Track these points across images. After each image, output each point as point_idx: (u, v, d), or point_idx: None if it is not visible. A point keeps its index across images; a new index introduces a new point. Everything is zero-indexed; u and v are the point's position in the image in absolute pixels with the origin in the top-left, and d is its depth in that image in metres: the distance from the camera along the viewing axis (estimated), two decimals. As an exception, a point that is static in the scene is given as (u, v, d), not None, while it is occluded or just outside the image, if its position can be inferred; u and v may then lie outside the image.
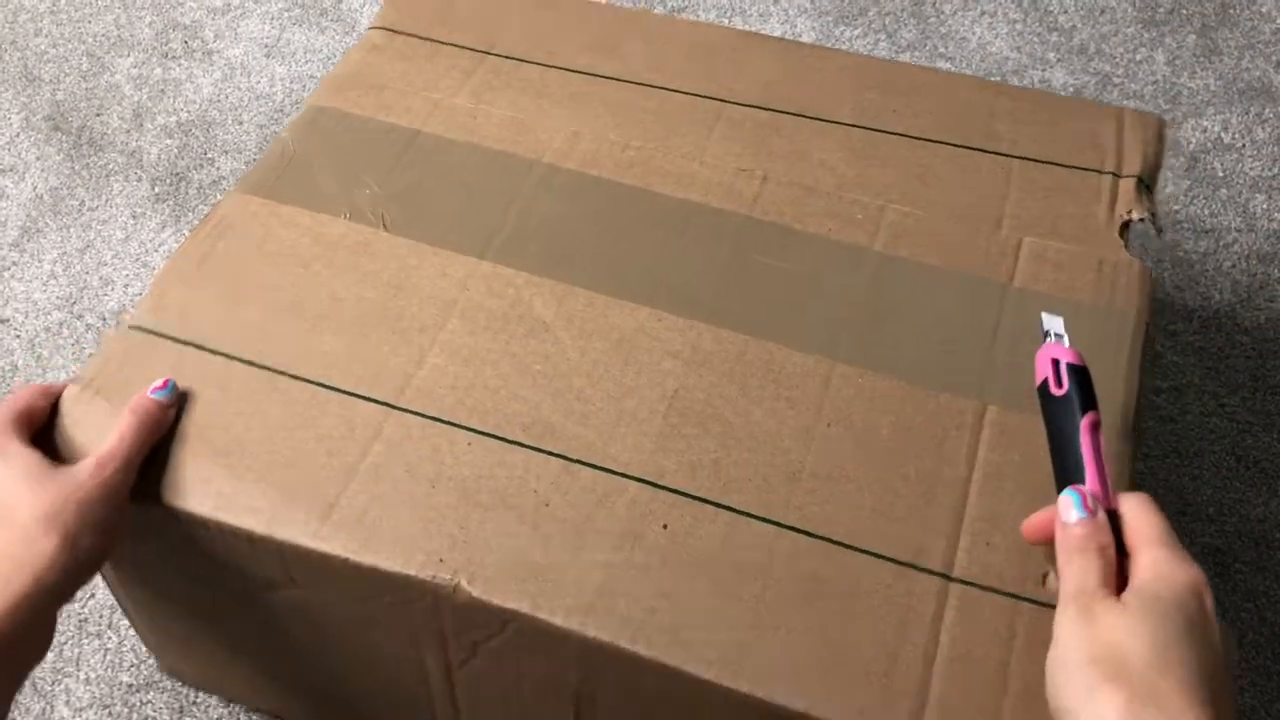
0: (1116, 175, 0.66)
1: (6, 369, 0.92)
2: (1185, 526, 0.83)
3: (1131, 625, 0.42)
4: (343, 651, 0.59)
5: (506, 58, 0.73)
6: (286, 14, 1.22)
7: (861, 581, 0.50)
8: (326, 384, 0.56)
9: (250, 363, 0.57)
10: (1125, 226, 0.64)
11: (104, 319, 0.95)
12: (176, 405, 0.55)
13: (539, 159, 0.66)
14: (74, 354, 0.93)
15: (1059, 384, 0.49)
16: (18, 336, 0.94)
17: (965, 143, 0.68)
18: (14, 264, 0.99)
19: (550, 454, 0.54)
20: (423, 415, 0.55)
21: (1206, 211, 1.03)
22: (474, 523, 0.52)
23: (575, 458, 0.54)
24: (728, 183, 0.65)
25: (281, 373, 0.57)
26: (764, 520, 0.52)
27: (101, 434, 0.53)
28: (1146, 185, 0.66)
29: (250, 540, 0.52)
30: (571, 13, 0.77)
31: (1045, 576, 0.50)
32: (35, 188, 1.05)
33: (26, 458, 0.51)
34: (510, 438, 0.54)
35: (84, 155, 1.07)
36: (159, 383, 0.55)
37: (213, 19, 1.22)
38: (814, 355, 0.57)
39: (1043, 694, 0.46)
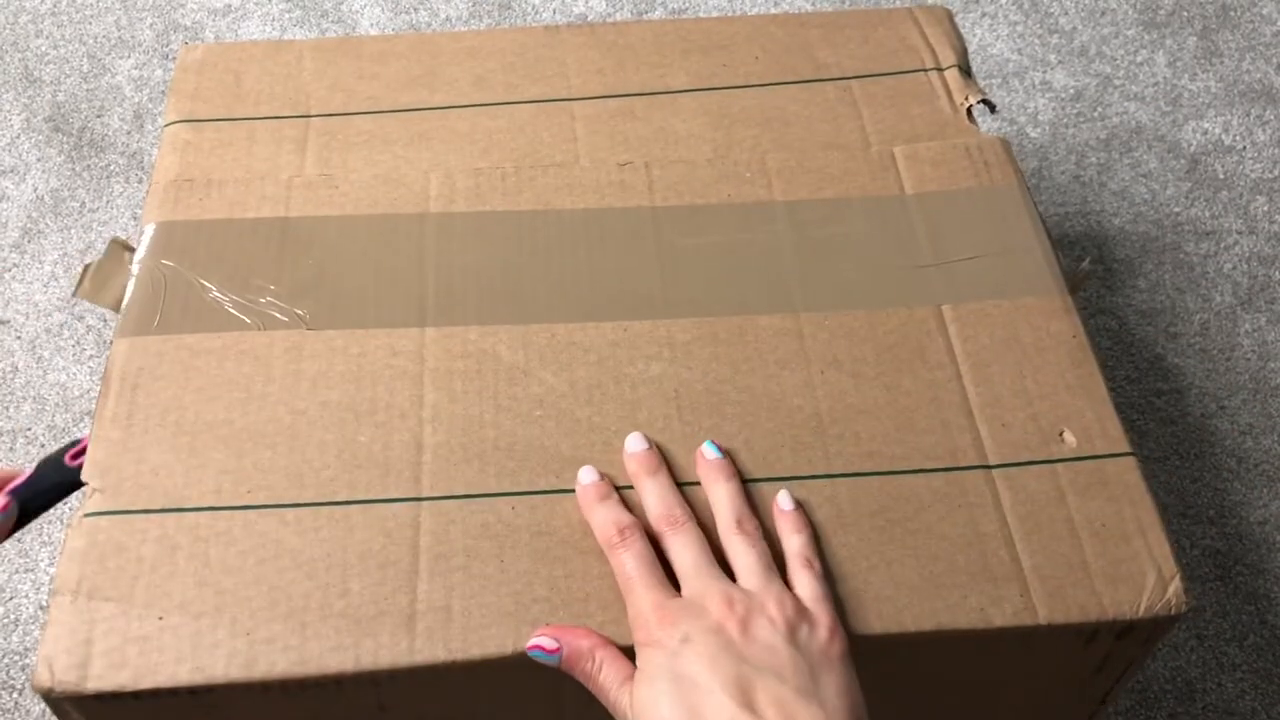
0: (939, 69, 0.72)
1: (7, 370, 0.94)
2: (1186, 529, 0.85)
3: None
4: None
5: (329, 116, 0.70)
6: (287, 15, 1.19)
7: (922, 498, 0.54)
8: (337, 500, 0.53)
9: (245, 507, 0.53)
10: (969, 112, 0.70)
11: (105, 320, 0.96)
12: None
13: (425, 210, 0.64)
14: (74, 355, 0.94)
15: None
16: (18, 338, 0.95)
17: (801, 78, 0.72)
18: (15, 265, 1.00)
19: (595, 488, 0.54)
20: (453, 497, 0.53)
21: (1207, 214, 1.03)
22: (559, 579, 0.51)
23: (620, 485, 0.54)
24: (617, 180, 0.66)
25: (284, 505, 0.53)
26: (814, 477, 0.54)
27: (131, 638, 0.48)
28: (966, 71, 0.72)
29: (339, 683, 0.49)
30: (365, 56, 0.74)
31: (1062, 433, 0.56)
32: (36, 189, 1.06)
33: None
34: (549, 488, 0.54)
35: (85, 156, 1.08)
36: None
37: (213, 20, 1.20)
38: (777, 314, 0.60)
39: (1111, 528, 0.52)
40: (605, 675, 0.47)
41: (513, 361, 0.58)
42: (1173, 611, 0.51)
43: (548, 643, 0.48)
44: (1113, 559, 0.52)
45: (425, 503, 0.53)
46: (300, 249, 0.62)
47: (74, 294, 0.63)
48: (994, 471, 0.55)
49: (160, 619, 0.50)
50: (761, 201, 0.65)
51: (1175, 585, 0.51)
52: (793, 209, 0.64)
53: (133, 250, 0.63)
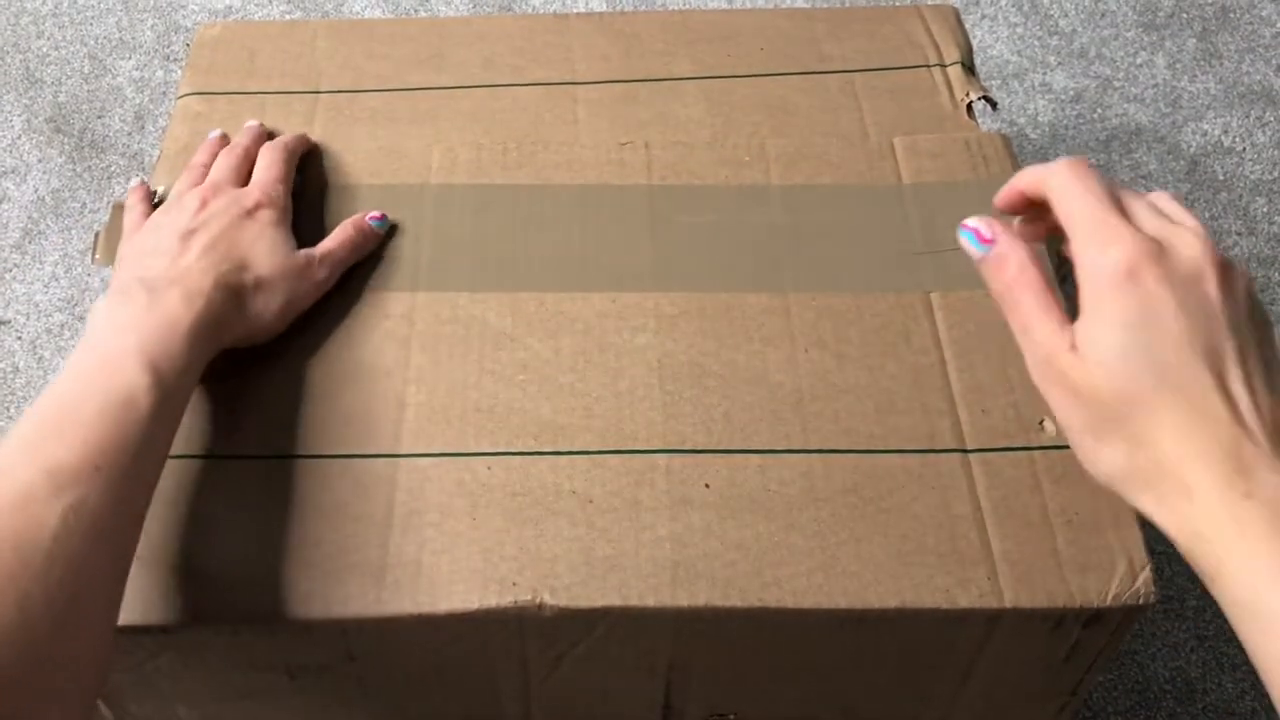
0: (942, 65, 0.72)
1: (8, 371, 0.94)
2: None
3: (1087, 370, 0.41)
4: (403, 713, 0.58)
5: (338, 93, 0.71)
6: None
7: (896, 478, 0.54)
8: (317, 454, 0.54)
9: (226, 456, 0.54)
10: (969, 107, 0.70)
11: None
12: (381, 239, 0.62)
13: (425, 182, 0.65)
14: (75, 355, 0.96)
15: None
16: (19, 338, 0.96)
17: (805, 69, 0.72)
18: (16, 266, 1.01)
19: (572, 453, 0.54)
20: (430, 455, 0.54)
21: (1207, 215, 1.03)
22: (529, 539, 0.52)
23: (597, 449, 0.54)
24: (616, 159, 0.66)
25: (265, 457, 0.54)
26: (790, 452, 0.54)
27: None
28: (969, 68, 0.73)
29: (308, 628, 0.50)
30: (377, 37, 0.75)
31: (1042, 422, 0.56)
32: (37, 190, 1.06)
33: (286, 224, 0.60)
34: (526, 450, 0.54)
35: (86, 157, 1.08)
36: (375, 214, 0.62)
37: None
38: (765, 293, 0.60)
39: (1084, 519, 0.52)
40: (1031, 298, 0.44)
41: (500, 328, 0.59)
42: (1141, 601, 0.51)
43: (984, 231, 0.46)
44: (1084, 548, 0.52)
45: (401, 460, 0.54)
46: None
47: (92, 261, 0.65)
48: (971, 456, 0.55)
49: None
50: (758, 184, 0.65)
51: (1145, 575, 0.51)
52: (789, 193, 0.65)
53: None
